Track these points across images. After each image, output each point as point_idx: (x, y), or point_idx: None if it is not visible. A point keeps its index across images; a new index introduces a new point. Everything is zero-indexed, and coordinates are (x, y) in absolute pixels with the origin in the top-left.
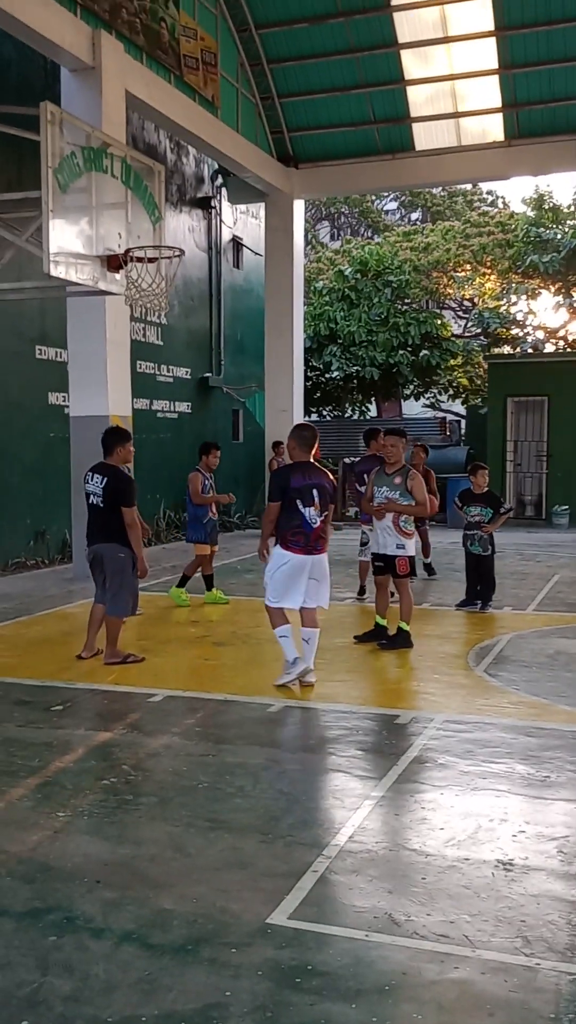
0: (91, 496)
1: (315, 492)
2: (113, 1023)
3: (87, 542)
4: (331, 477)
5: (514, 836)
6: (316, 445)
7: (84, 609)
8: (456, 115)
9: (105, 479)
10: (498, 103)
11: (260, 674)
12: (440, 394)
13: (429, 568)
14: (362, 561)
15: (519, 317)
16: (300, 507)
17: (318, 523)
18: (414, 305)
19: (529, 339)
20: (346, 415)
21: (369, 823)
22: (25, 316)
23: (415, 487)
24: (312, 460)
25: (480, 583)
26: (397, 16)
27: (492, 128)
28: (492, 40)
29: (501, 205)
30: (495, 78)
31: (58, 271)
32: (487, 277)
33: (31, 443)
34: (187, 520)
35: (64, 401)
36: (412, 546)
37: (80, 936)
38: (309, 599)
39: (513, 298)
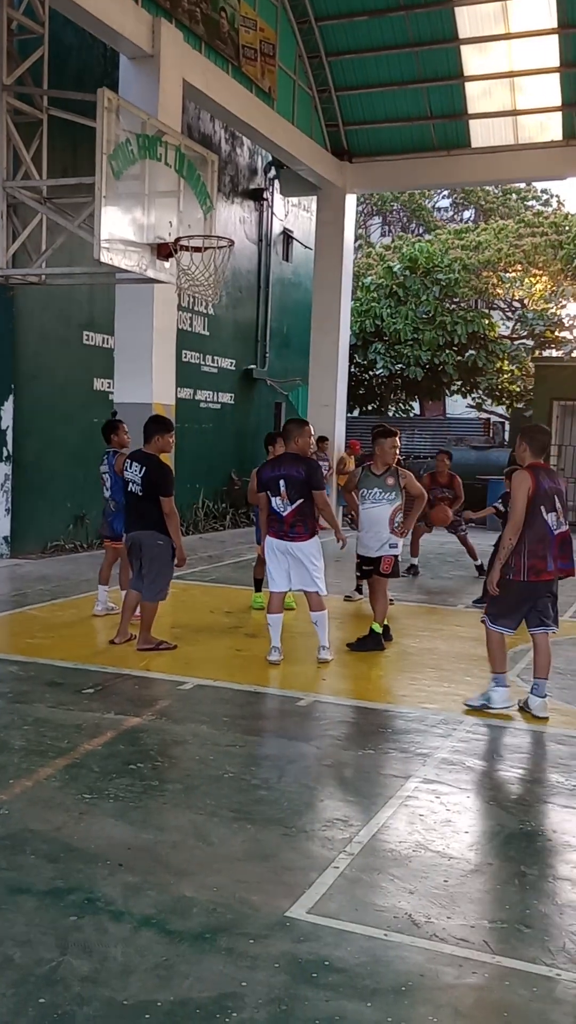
0: (130, 484)
1: (281, 483)
2: (129, 1006)
3: (125, 529)
4: (307, 465)
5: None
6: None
7: (119, 594)
8: (514, 112)
9: (144, 468)
10: (558, 102)
11: (291, 667)
12: (484, 397)
13: (414, 568)
14: None
15: (568, 320)
16: (270, 497)
17: (288, 511)
18: (462, 304)
19: None
20: (388, 413)
21: (393, 822)
22: (74, 301)
23: (409, 483)
24: (300, 453)
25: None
26: (459, 11)
27: (551, 127)
28: (555, 37)
29: (556, 204)
30: (556, 76)
31: (108, 257)
32: (538, 278)
33: (74, 428)
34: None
35: (109, 387)
36: (400, 544)
37: (100, 918)
38: (296, 583)
39: (563, 300)
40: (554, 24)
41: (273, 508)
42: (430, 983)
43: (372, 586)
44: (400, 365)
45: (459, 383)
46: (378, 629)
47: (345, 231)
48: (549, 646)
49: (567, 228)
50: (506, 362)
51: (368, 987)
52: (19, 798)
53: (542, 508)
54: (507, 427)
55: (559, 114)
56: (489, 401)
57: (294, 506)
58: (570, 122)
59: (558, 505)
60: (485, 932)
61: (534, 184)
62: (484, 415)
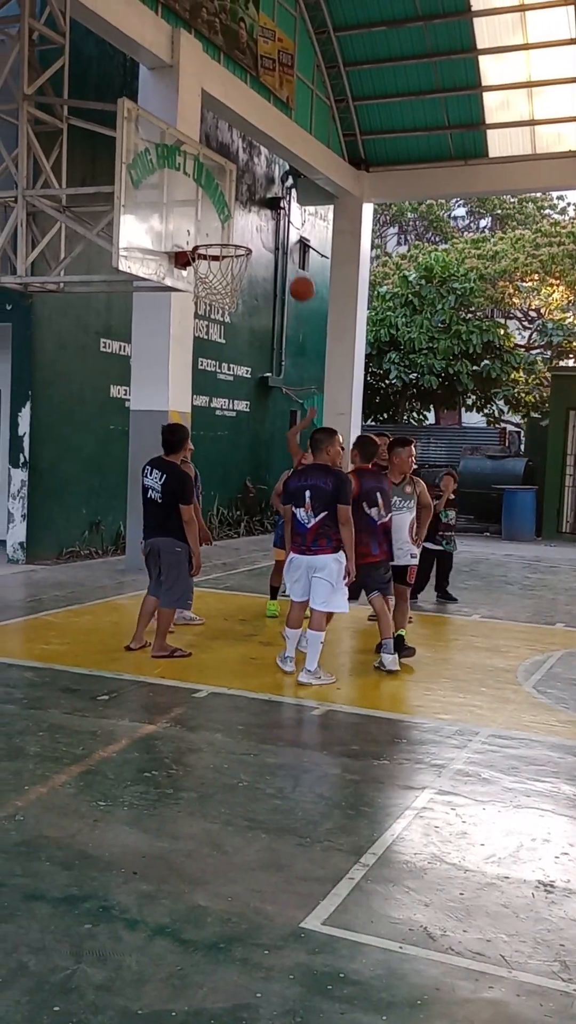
0: (149, 491)
1: (307, 493)
2: (143, 1016)
3: (143, 535)
4: (335, 477)
5: (556, 858)
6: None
7: (134, 601)
8: (532, 122)
9: (164, 475)
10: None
11: None
12: (499, 412)
13: None
14: None
15: None
16: (295, 509)
17: (312, 523)
18: (478, 313)
19: None
20: (403, 421)
21: (408, 834)
22: (91, 309)
23: (422, 493)
24: (331, 464)
25: (446, 575)
26: (477, 21)
27: (568, 136)
28: (573, 47)
29: (573, 213)
30: (574, 86)
31: (126, 266)
32: (555, 288)
33: (91, 435)
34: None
35: (125, 394)
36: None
37: (115, 926)
38: (310, 596)
39: None
40: (572, 35)
41: (297, 520)
42: (446, 997)
43: (399, 593)
44: (415, 374)
45: (474, 395)
46: (403, 633)
47: (362, 240)
48: (384, 608)
49: None
50: (521, 372)
51: (383, 1000)
52: (34, 804)
53: (364, 504)
54: (523, 436)
55: None
56: (507, 410)
57: (317, 519)
58: None
59: (380, 501)
60: (501, 946)
61: (550, 192)
62: (500, 424)
